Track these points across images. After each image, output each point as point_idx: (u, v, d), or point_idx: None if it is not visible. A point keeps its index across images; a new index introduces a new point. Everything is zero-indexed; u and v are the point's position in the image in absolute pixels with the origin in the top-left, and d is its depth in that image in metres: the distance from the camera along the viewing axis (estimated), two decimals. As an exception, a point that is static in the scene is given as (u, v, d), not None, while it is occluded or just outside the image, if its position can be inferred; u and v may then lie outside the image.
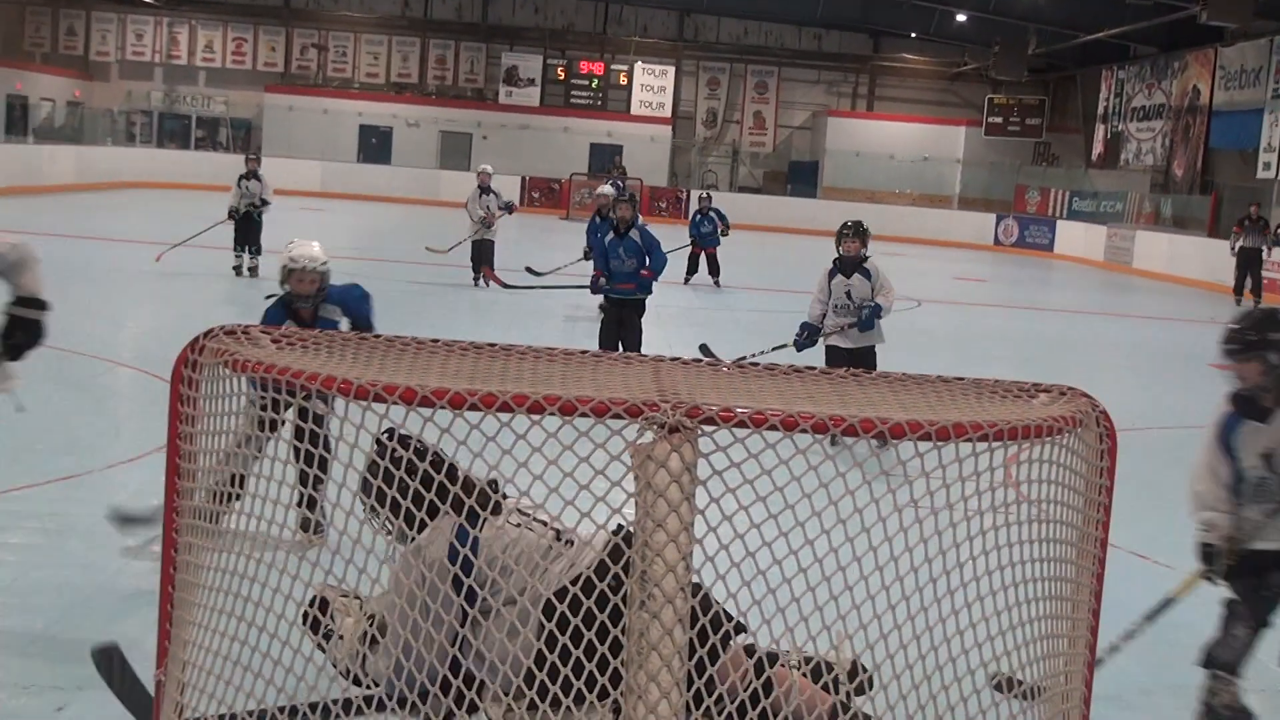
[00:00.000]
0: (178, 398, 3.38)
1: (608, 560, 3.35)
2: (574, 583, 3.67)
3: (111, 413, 10.25)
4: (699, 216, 23.18)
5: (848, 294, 11.43)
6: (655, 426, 2.83)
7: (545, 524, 4.22)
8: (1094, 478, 3.37)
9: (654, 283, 12.15)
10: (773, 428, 2.90)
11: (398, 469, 4.00)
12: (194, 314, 11.49)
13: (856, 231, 11.53)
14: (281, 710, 3.38)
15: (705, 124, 45.24)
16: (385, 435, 4.18)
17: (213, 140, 43.79)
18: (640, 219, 12.48)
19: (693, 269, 22.97)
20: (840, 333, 11.40)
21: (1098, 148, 40.00)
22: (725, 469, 3.00)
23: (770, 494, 3.12)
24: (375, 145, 43.71)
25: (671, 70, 44.36)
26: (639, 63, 44.23)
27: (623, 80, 44.23)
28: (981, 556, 3.21)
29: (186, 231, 19.45)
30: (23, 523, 7.14)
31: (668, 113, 44.35)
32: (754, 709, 3.47)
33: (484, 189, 20.20)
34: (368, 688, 4.29)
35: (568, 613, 3.40)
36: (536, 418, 2.90)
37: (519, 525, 4.23)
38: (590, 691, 3.36)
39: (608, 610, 3.30)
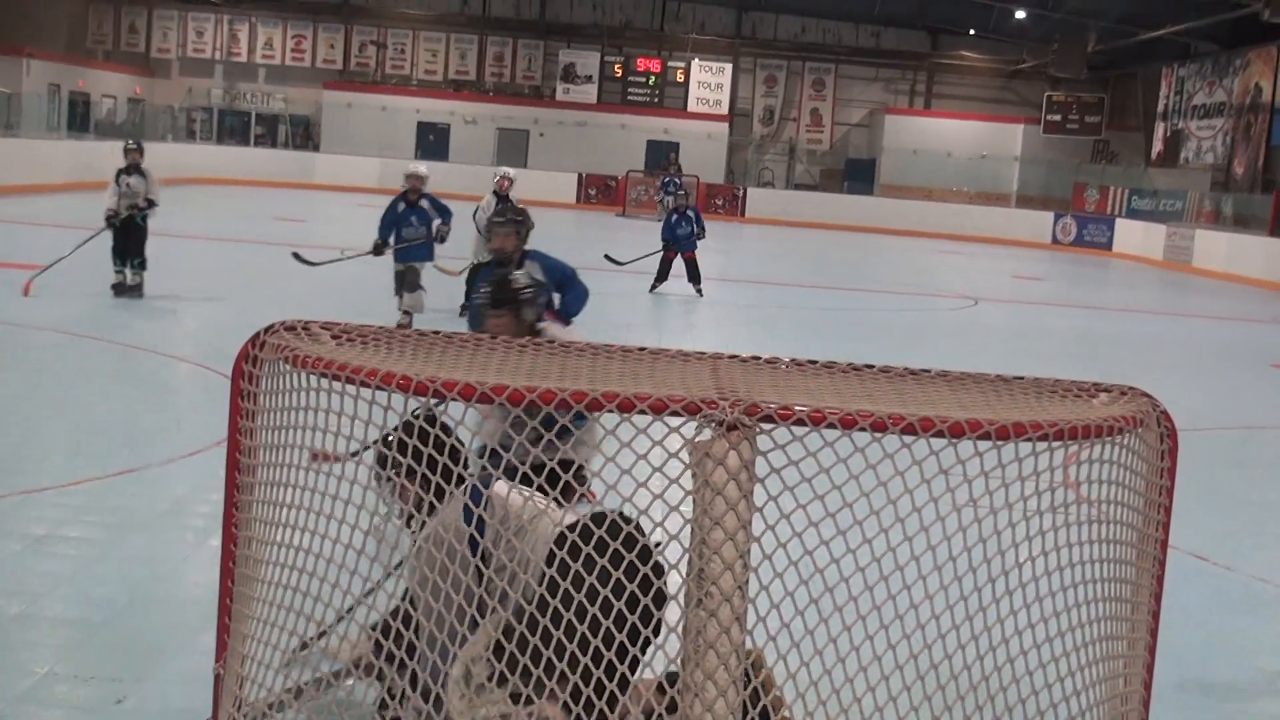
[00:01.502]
0: (238, 393, 3.40)
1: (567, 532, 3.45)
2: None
3: (171, 407, 10.25)
4: (675, 216, 20.08)
5: None
6: (713, 424, 2.83)
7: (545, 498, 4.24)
8: (1154, 478, 3.34)
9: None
10: (831, 426, 2.86)
11: (426, 443, 4.17)
12: (255, 309, 11.51)
13: None
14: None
15: (762, 121, 45.16)
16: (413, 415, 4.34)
17: (272, 137, 44.02)
18: (541, 251, 8.59)
19: (663, 275, 19.56)
20: None
21: (1157, 146, 39.71)
22: (783, 467, 2.99)
23: (828, 492, 3.11)
24: (433, 142, 43.82)
25: (729, 67, 44.29)
26: (696, 60, 44.20)
27: (680, 77, 44.21)
28: (1040, 557, 3.18)
29: (241, 229, 19.03)
30: (83, 516, 7.14)
31: (725, 110, 44.27)
32: None
33: (502, 197, 15.88)
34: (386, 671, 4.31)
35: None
36: (596, 415, 2.90)
37: (526, 497, 4.30)
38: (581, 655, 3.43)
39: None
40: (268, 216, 27.36)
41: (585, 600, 3.43)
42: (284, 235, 21.00)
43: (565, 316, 7.95)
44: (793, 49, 44.60)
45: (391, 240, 14.19)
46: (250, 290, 16.72)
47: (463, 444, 4.47)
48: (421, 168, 15.33)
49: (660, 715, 4.07)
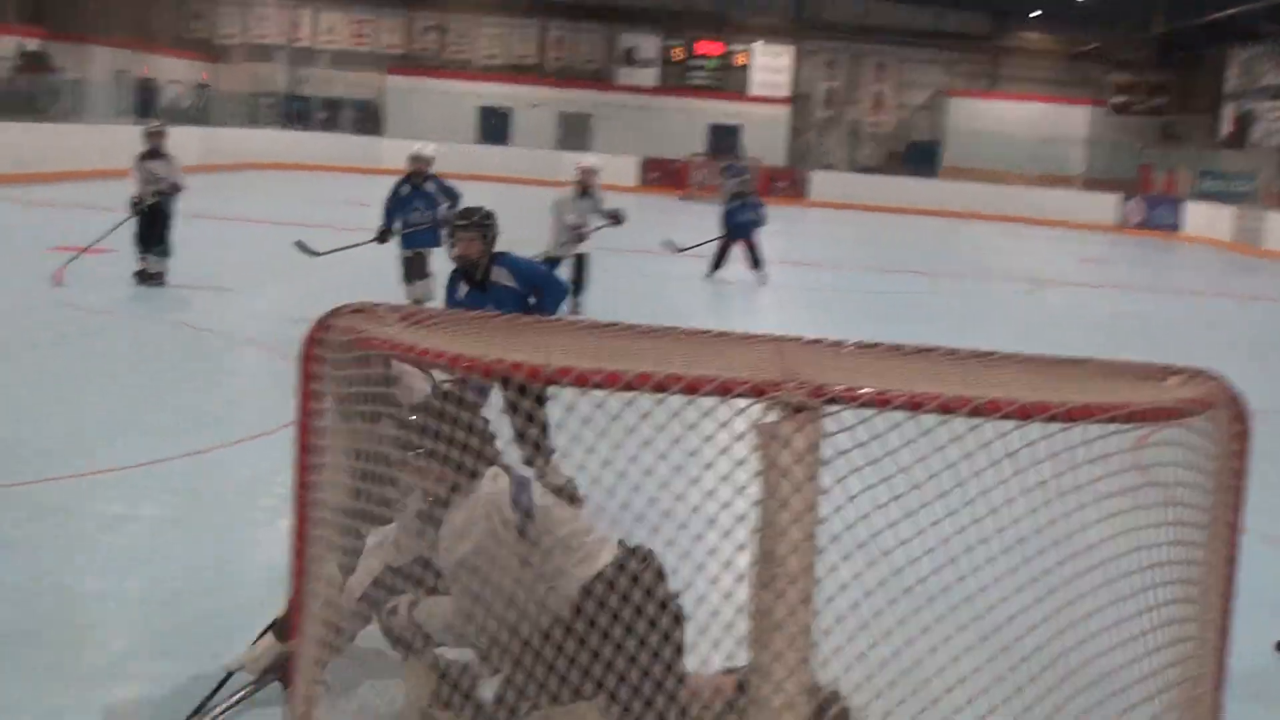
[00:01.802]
0: (308, 375, 3.43)
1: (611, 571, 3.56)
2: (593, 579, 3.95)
3: (241, 389, 10.39)
4: (736, 203, 19.33)
5: None
6: (780, 406, 2.83)
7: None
8: (1226, 461, 3.31)
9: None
10: (897, 408, 2.86)
11: (457, 426, 4.26)
12: (321, 292, 11.54)
13: None
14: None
15: (824, 104, 45.01)
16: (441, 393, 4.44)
17: (335, 121, 44.25)
18: (511, 253, 7.75)
19: (719, 262, 19.07)
20: None
21: (1226, 127, 39.26)
22: (849, 449, 2.99)
23: (895, 475, 3.10)
24: (494, 126, 43.96)
25: (791, 51, 44.18)
26: (758, 43, 44.08)
27: (741, 61, 44.19)
28: (1111, 540, 3.17)
29: (306, 213, 18.81)
30: (154, 495, 7.23)
31: (787, 93, 44.20)
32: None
33: (585, 192, 14.91)
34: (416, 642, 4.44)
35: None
36: (660, 396, 2.91)
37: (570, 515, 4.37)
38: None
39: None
40: (335, 201, 27.44)
41: (607, 652, 3.63)
42: (353, 220, 21.06)
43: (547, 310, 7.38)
44: (855, 32, 44.34)
45: (397, 226, 13.39)
46: (314, 274, 16.77)
47: (488, 422, 4.54)
48: (428, 149, 14.31)
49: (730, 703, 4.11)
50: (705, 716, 4.10)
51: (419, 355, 3.13)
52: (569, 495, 6.32)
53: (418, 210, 13.19)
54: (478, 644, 4.20)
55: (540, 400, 3.78)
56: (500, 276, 7.37)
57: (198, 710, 4.60)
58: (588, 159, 15.87)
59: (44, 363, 10.56)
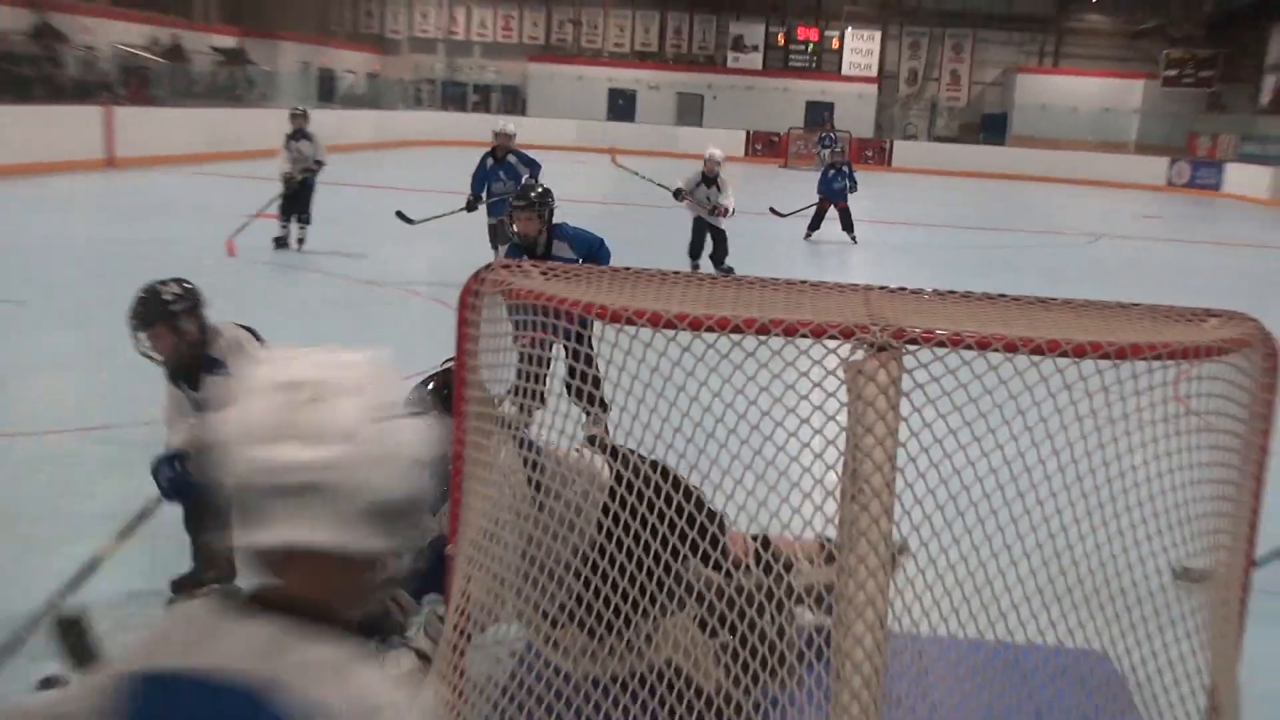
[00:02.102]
0: (464, 321, 3.49)
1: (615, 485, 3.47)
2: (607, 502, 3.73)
3: (408, 332, 10.42)
4: (831, 172, 18.98)
5: None
6: (866, 346, 2.84)
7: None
8: (1259, 393, 3.28)
9: None
10: (968, 347, 2.88)
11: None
12: (477, 249, 11.63)
13: None
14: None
15: (907, 82, 44.46)
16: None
17: (486, 104, 44.46)
18: (567, 224, 7.46)
19: (816, 224, 18.84)
20: None
21: (1266, 96, 38.23)
22: (926, 383, 3.00)
23: (965, 404, 3.10)
24: (621, 106, 43.95)
25: (879, 35, 43.67)
26: (849, 29, 43.66)
27: (835, 45, 43.83)
28: (1153, 461, 3.15)
29: (460, 183, 18.69)
30: None
31: (874, 73, 43.72)
32: (761, 561, 3.78)
33: (709, 179, 14.06)
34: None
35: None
36: (764, 338, 2.92)
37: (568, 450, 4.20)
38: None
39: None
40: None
41: (648, 536, 3.44)
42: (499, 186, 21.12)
43: None
44: (935, 17, 43.71)
45: (483, 195, 12.92)
46: (471, 230, 16.89)
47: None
48: (510, 125, 13.76)
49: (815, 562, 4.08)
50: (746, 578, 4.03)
51: (558, 303, 3.17)
52: (601, 444, 6.21)
53: (501, 181, 12.69)
54: (545, 610, 3.93)
55: (590, 360, 3.66)
56: (560, 249, 7.04)
57: None
58: (714, 150, 14.21)
59: (246, 309, 10.77)
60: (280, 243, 14.36)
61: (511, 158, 12.99)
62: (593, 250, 7.13)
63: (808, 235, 18.68)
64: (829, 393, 3.00)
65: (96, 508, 5.74)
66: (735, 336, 2.94)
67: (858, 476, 2.85)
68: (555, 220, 7.22)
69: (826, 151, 32.29)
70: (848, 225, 18.55)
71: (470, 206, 13.01)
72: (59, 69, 26.20)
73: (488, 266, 3.49)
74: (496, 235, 12.39)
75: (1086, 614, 3.19)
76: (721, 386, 3.18)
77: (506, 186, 12.31)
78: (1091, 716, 3.41)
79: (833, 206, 18.63)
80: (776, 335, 2.91)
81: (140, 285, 5.09)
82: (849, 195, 18.66)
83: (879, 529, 2.84)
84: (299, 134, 14.58)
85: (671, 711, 3.55)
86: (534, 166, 12.90)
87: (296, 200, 14.39)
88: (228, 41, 35.36)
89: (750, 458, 3.22)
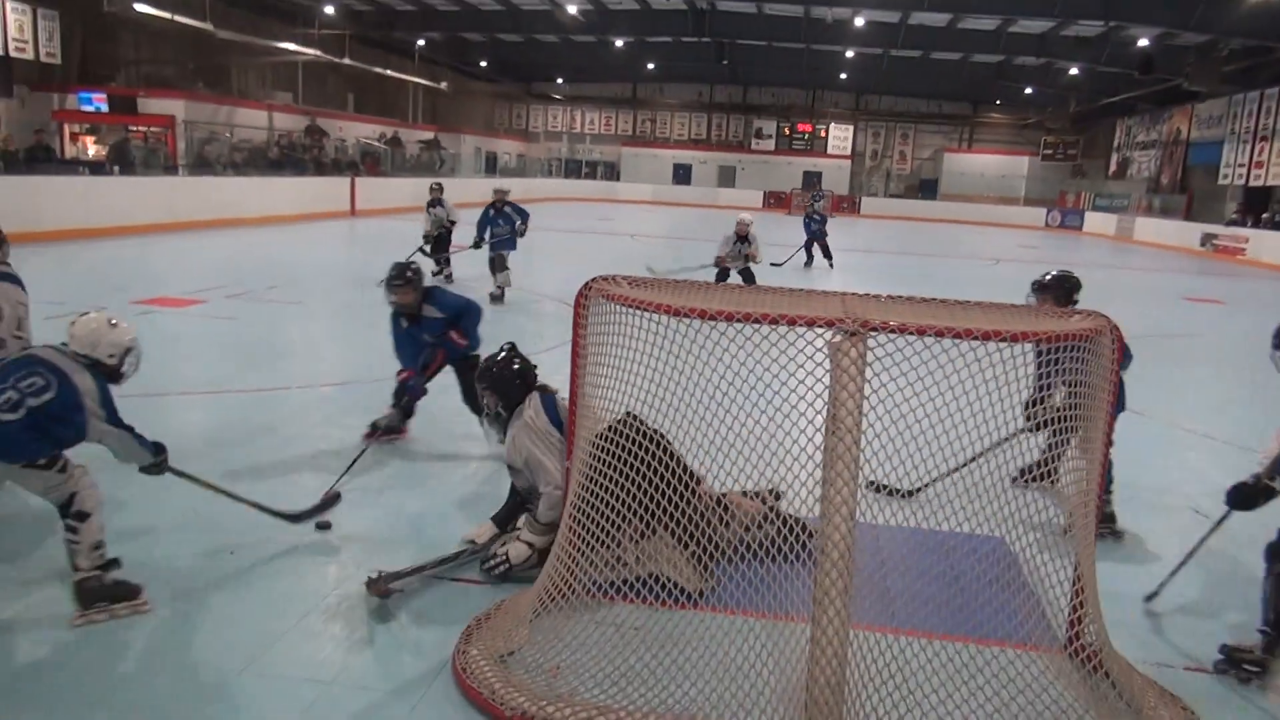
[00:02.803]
0: (578, 316, 3.47)
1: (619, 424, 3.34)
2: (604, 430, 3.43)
3: (540, 324, 10.49)
4: (807, 218, 17.65)
5: None
6: (843, 332, 2.81)
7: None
8: (1108, 364, 3.23)
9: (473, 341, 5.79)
10: (911, 333, 2.86)
11: (506, 370, 4.27)
12: (586, 267, 11.62)
13: None
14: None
15: (870, 158, 43.86)
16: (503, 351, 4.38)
17: (594, 174, 44.51)
18: (436, 288, 5.93)
19: (810, 258, 17.60)
20: None
21: (1113, 167, 37.48)
22: (883, 357, 2.94)
23: (908, 371, 3.04)
24: (681, 174, 43.78)
25: (851, 128, 43.11)
26: (832, 124, 43.17)
27: (823, 134, 43.35)
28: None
29: (576, 225, 18.79)
30: None
31: (849, 152, 43.20)
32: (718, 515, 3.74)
33: (741, 238, 12.04)
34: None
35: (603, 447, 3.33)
36: (774, 326, 2.89)
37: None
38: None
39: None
40: (591, 218, 27.71)
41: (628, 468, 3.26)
42: (603, 227, 21.22)
43: (467, 338, 5.70)
44: (889, 115, 43.01)
45: (486, 237, 11.69)
46: (583, 256, 16.97)
47: (533, 368, 4.40)
48: (506, 185, 12.51)
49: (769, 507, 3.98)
50: (740, 529, 3.90)
51: (639, 304, 3.13)
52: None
53: (500, 225, 11.69)
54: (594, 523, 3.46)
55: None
56: (429, 311, 5.68)
57: (439, 562, 4.02)
58: (745, 215, 12.37)
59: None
60: (437, 274, 12.74)
61: (507, 209, 11.84)
62: (459, 311, 5.73)
63: (807, 265, 17.60)
64: (817, 364, 2.95)
65: (343, 437, 5.82)
66: (756, 325, 2.91)
67: (836, 420, 2.81)
68: (430, 286, 5.84)
69: (818, 204, 31.93)
70: (827, 254, 17.52)
71: (477, 245, 11.80)
72: (322, 153, 26.57)
73: (594, 280, 3.46)
74: (495, 265, 11.57)
75: (992, 511, 3.11)
76: (746, 359, 3.14)
77: (503, 230, 11.69)
78: (991, 581, 3.33)
79: (813, 243, 17.58)
80: (783, 324, 2.88)
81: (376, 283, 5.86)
82: (821, 234, 17.44)
83: (850, 455, 2.80)
84: (435, 202, 13.28)
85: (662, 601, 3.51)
86: (524, 214, 12.04)
87: (440, 249, 13.09)
88: (428, 135, 35.65)
89: (765, 406, 3.18)
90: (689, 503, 3.33)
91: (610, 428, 3.38)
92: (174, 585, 3.79)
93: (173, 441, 5.53)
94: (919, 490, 3.80)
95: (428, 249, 12.96)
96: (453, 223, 13.27)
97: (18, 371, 3.51)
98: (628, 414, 3.34)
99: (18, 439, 3.41)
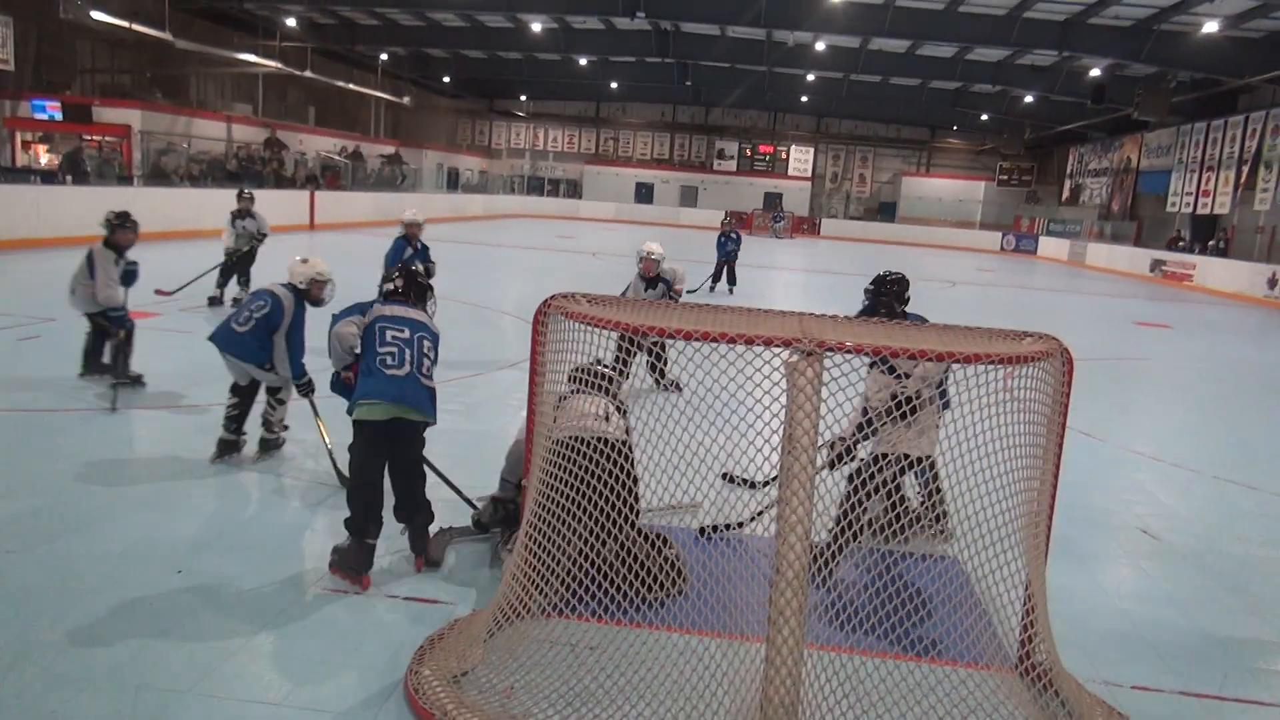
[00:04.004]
0: (536, 332, 3.45)
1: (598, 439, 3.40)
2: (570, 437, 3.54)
3: (499, 339, 10.49)
4: (723, 238, 15.59)
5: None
6: (799, 351, 2.81)
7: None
8: (1059, 386, 3.27)
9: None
10: (865, 353, 2.87)
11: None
12: (547, 284, 11.64)
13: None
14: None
15: (830, 181, 44.29)
16: None
17: (557, 191, 44.50)
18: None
19: (718, 278, 15.57)
20: None
21: (1066, 193, 38.24)
22: (839, 376, 2.96)
23: (860, 386, 3.05)
24: (644, 193, 43.90)
25: (812, 150, 43.54)
26: (793, 146, 43.57)
27: (784, 156, 43.69)
28: (990, 429, 3.10)
29: (537, 241, 18.75)
30: (446, 405, 7.19)
31: (809, 174, 43.57)
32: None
33: (650, 282, 8.19)
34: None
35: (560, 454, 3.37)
36: (733, 345, 2.89)
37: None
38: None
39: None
40: (551, 235, 27.69)
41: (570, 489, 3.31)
42: (564, 245, 21.21)
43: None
44: (849, 139, 43.49)
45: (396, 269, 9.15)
46: (543, 273, 16.93)
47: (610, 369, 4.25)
48: (419, 216, 9.69)
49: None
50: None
51: (597, 322, 3.13)
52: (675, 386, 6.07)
53: (409, 256, 9.33)
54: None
55: (664, 346, 3.63)
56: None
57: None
58: (653, 247, 8.32)
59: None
60: (214, 301, 10.56)
61: (418, 242, 9.55)
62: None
63: (711, 288, 15.40)
64: (775, 382, 2.96)
65: (296, 451, 5.72)
66: (713, 344, 2.92)
67: (792, 439, 2.82)
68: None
69: (779, 225, 32.17)
70: (732, 279, 15.57)
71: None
72: (282, 166, 26.30)
73: (552, 297, 3.45)
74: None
75: (943, 534, 3.12)
76: (704, 377, 3.14)
77: (411, 261, 9.14)
78: (945, 598, 3.35)
79: (728, 265, 15.66)
80: (741, 344, 2.89)
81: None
82: (737, 256, 15.74)
83: (807, 471, 2.80)
84: (244, 213, 10.82)
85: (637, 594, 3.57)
86: (428, 257, 9.63)
87: (240, 268, 10.74)
88: (389, 149, 35.46)
89: (724, 423, 3.18)
90: (630, 521, 3.35)
91: (571, 438, 3.41)
92: (120, 604, 3.70)
93: (126, 457, 5.40)
94: (767, 484, 3.89)
95: (220, 285, 10.70)
96: (264, 235, 10.85)
97: (253, 300, 5.35)
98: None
99: (249, 345, 5.24)
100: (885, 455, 3.52)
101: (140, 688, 3.18)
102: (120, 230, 6.90)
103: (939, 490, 4.28)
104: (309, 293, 5.39)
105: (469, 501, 4.74)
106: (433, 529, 4.32)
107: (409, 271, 4.59)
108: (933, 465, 3.87)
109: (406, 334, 4.21)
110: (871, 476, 3.26)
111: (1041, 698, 3.19)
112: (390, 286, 4.51)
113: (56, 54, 22.78)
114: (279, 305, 5.29)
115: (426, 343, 4.27)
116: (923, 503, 4.21)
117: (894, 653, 3.44)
